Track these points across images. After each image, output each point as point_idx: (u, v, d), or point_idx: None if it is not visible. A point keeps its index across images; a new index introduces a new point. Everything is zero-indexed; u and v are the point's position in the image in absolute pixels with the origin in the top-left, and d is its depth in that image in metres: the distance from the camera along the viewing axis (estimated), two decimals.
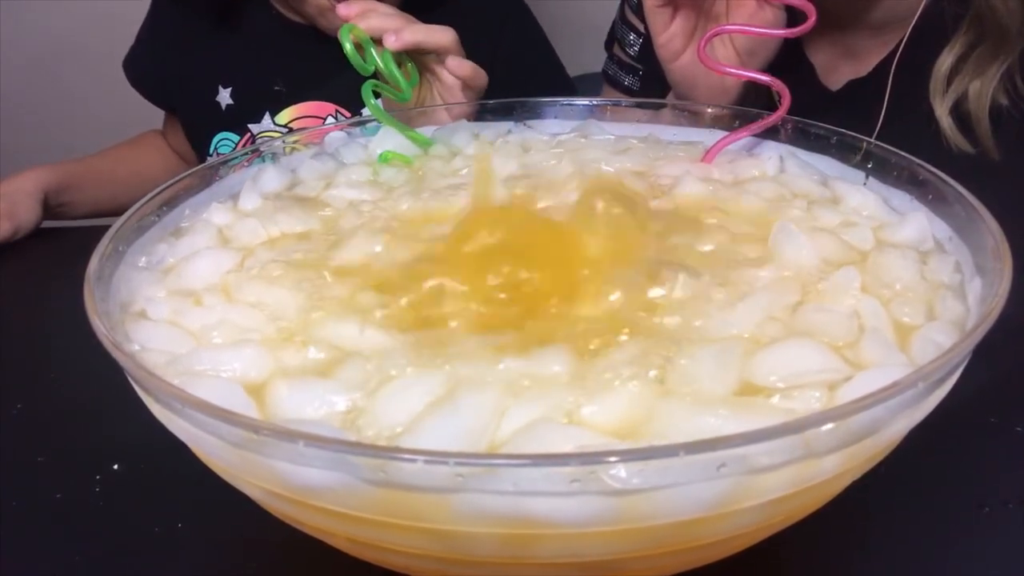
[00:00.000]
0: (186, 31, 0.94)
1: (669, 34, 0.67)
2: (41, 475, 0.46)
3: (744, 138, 0.51)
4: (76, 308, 0.33)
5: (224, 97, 0.93)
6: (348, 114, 0.89)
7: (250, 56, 0.92)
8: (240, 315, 0.37)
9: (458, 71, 0.63)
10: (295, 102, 0.91)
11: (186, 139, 1.00)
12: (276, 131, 0.91)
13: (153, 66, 0.98)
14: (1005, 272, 0.32)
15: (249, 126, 0.92)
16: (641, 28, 0.89)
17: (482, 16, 0.91)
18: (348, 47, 0.55)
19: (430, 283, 0.38)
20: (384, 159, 0.53)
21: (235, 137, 0.93)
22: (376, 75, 0.58)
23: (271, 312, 0.37)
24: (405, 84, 0.59)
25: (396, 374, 0.32)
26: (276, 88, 0.91)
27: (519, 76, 0.93)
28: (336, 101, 0.90)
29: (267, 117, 0.91)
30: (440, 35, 0.65)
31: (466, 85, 0.68)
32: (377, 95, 0.55)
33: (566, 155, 0.53)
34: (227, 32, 0.93)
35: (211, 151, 0.95)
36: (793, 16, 0.63)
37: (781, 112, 0.49)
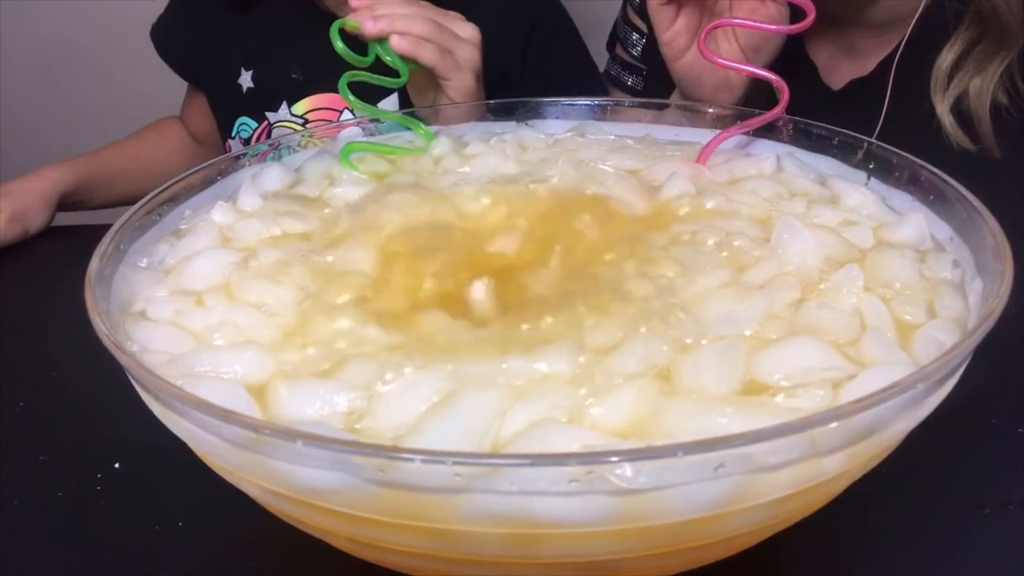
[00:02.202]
0: (214, 6, 0.93)
1: (673, 32, 0.67)
2: (42, 474, 0.46)
3: (743, 136, 0.51)
4: (78, 307, 0.33)
5: (246, 80, 0.92)
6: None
7: (271, 40, 0.92)
8: (242, 316, 0.37)
9: (396, 47, 0.62)
10: (312, 92, 0.91)
11: (206, 119, 0.99)
12: (292, 121, 0.91)
13: (180, 39, 0.97)
14: (1006, 272, 0.32)
15: (267, 114, 0.92)
16: (644, 28, 0.89)
17: (513, 14, 0.91)
18: (339, 45, 0.55)
19: (431, 282, 0.38)
20: (346, 153, 0.52)
21: (253, 123, 0.93)
22: (376, 66, 0.58)
23: (273, 313, 0.37)
24: (403, 68, 0.59)
25: (398, 374, 0.32)
26: (293, 76, 0.90)
27: (550, 79, 0.92)
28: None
29: (284, 106, 0.91)
30: (417, 24, 0.64)
31: (423, 64, 0.66)
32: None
33: (563, 155, 0.53)
34: (251, 13, 0.92)
35: (233, 134, 0.95)
36: (795, 15, 0.63)
37: (780, 109, 0.49)
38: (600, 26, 0.98)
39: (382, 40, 0.61)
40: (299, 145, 0.54)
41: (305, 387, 0.32)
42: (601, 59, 0.98)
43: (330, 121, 0.89)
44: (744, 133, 0.51)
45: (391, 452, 0.26)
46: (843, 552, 0.39)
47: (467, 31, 0.70)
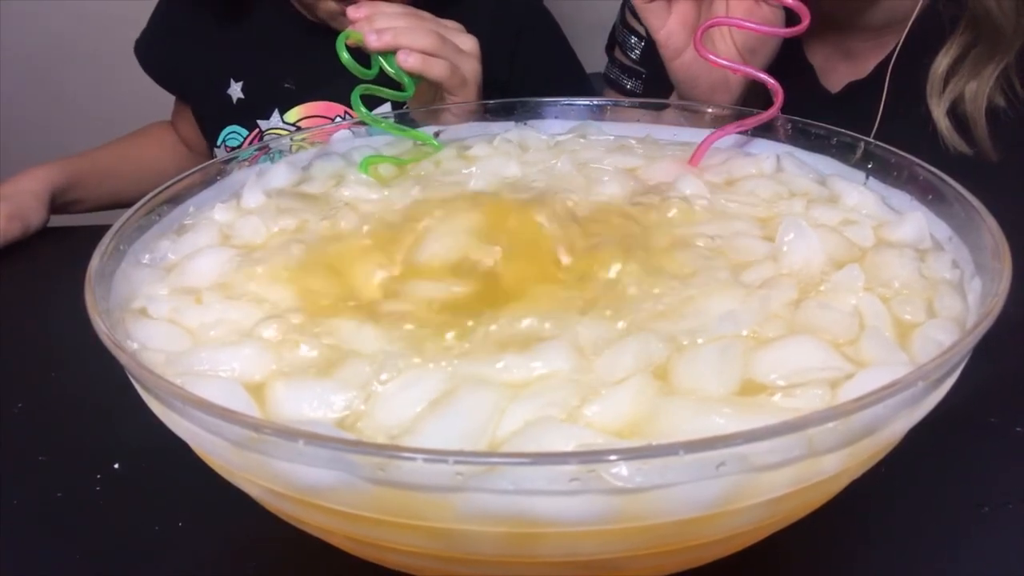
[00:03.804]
0: (201, 21, 0.94)
1: (667, 31, 0.67)
2: (42, 474, 0.46)
3: (742, 136, 0.51)
4: (78, 307, 0.33)
5: (235, 90, 0.93)
6: (356, 115, 0.89)
7: (263, 51, 0.92)
8: (239, 314, 0.37)
9: (403, 64, 0.62)
10: (305, 101, 0.91)
11: (195, 128, 1.00)
12: (284, 129, 0.92)
13: (166, 52, 0.98)
14: (1005, 271, 0.32)
15: (258, 122, 0.92)
16: (642, 31, 0.89)
17: (501, 20, 0.91)
18: (345, 56, 0.55)
19: (429, 281, 0.38)
20: (366, 165, 0.52)
21: (244, 131, 0.94)
22: (379, 77, 0.58)
23: (271, 311, 0.37)
24: (408, 81, 0.59)
25: (395, 374, 0.32)
26: (286, 85, 0.91)
27: (538, 82, 0.92)
28: (345, 102, 0.90)
29: (276, 114, 0.92)
30: (421, 38, 0.64)
31: (432, 80, 0.67)
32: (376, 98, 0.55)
33: (564, 155, 0.53)
34: (241, 25, 0.93)
35: (219, 143, 0.95)
36: (792, 18, 0.64)
37: (774, 110, 0.49)
38: (599, 27, 0.98)
39: (386, 53, 0.61)
40: (290, 150, 0.54)
41: (302, 386, 0.32)
42: (600, 60, 0.98)
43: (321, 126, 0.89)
44: (739, 133, 0.52)
45: (393, 451, 0.26)
46: (843, 551, 0.39)
47: (468, 43, 0.70)
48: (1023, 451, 0.44)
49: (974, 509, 0.40)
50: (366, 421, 0.30)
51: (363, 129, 0.57)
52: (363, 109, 0.52)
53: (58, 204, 0.88)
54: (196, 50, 0.94)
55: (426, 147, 0.56)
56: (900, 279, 0.37)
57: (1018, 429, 0.45)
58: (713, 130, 0.51)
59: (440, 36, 0.66)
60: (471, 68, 0.70)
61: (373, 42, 0.60)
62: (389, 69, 0.60)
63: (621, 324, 0.34)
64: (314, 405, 0.31)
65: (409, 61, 0.62)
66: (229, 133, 0.94)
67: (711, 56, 0.51)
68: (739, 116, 0.52)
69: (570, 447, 0.27)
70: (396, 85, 0.60)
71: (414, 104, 0.72)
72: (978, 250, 0.37)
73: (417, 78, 0.63)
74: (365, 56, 0.60)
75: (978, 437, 0.45)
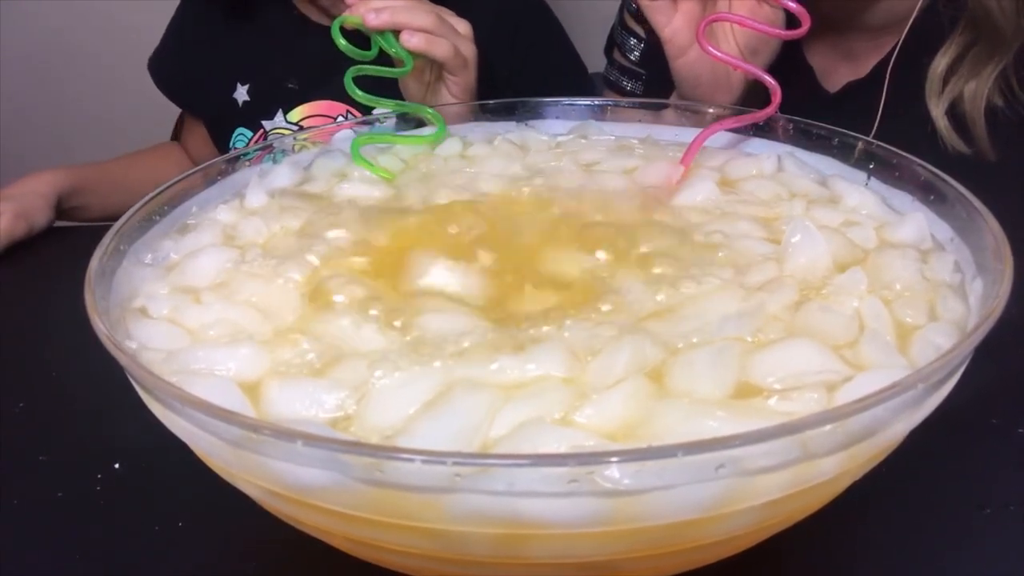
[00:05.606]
0: (208, 30, 0.95)
1: (672, 29, 0.67)
2: (42, 474, 0.46)
3: (738, 136, 0.51)
4: (78, 306, 0.33)
5: (241, 94, 0.94)
6: (358, 114, 0.90)
7: (266, 53, 0.93)
8: (237, 313, 0.37)
9: (406, 44, 0.63)
10: (308, 100, 0.92)
11: (205, 144, 1.01)
12: (287, 128, 0.93)
13: (178, 67, 0.99)
14: (1006, 273, 0.32)
15: (262, 122, 0.94)
16: (642, 33, 0.89)
17: (500, 14, 0.91)
18: (342, 42, 0.55)
19: (426, 281, 0.38)
20: (356, 147, 0.51)
21: (249, 133, 0.95)
22: (376, 60, 0.58)
23: (268, 310, 0.37)
24: (407, 57, 0.60)
25: (390, 374, 0.32)
26: (289, 85, 0.92)
27: (537, 76, 0.93)
28: (348, 101, 0.90)
29: (279, 114, 0.93)
30: (420, 17, 0.65)
31: (436, 59, 0.67)
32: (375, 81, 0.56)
33: (565, 156, 0.53)
34: (245, 28, 0.94)
35: (231, 146, 0.96)
36: (791, 20, 0.64)
37: (771, 109, 0.49)
38: (601, 27, 0.98)
39: (384, 33, 0.61)
40: (293, 149, 0.54)
41: (297, 385, 0.32)
42: (602, 60, 0.98)
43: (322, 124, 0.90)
44: (736, 132, 0.51)
45: (391, 452, 0.26)
46: (843, 552, 0.39)
47: (462, 26, 0.71)
48: None
49: (975, 510, 0.40)
50: (360, 421, 0.30)
51: (365, 128, 0.57)
52: (359, 92, 0.53)
53: (63, 209, 0.89)
54: (205, 60, 0.96)
55: (423, 132, 0.56)
56: (902, 281, 0.37)
57: (1020, 430, 0.45)
58: (701, 129, 0.51)
59: (438, 16, 0.67)
60: (469, 49, 0.71)
61: (371, 20, 0.61)
62: (390, 49, 0.61)
63: (617, 326, 0.34)
64: (308, 404, 0.31)
65: (412, 41, 0.62)
66: (237, 135, 0.96)
67: (714, 51, 0.51)
68: (739, 115, 0.52)
69: (562, 449, 0.27)
70: (392, 67, 0.60)
71: (411, 85, 0.73)
72: (979, 251, 0.37)
73: (416, 55, 0.63)
74: (364, 40, 0.60)
75: (979, 438, 0.45)
